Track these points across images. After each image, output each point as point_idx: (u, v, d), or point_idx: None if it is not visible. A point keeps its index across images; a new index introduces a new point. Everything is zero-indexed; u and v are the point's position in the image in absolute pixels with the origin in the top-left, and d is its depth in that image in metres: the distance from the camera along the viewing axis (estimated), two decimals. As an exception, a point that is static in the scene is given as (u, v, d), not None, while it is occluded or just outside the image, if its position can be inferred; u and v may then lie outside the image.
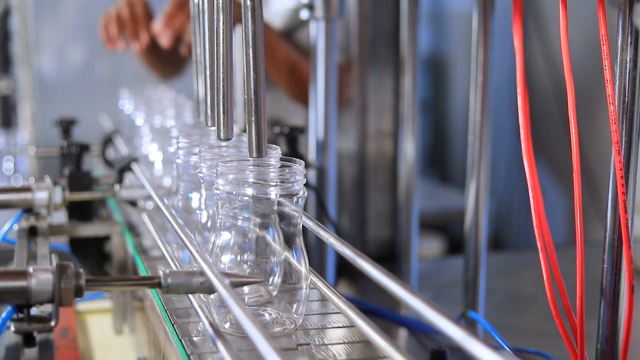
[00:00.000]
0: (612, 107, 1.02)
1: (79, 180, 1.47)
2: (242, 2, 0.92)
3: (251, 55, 0.92)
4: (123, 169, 1.51)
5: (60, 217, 1.51)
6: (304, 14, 1.65)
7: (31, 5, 2.94)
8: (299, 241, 0.97)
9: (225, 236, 0.97)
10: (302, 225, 0.98)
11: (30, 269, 0.87)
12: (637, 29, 0.99)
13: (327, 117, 1.68)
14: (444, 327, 0.69)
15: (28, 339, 0.90)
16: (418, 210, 1.78)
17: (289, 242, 0.97)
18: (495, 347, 0.80)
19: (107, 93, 2.94)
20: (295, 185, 0.95)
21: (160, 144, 1.50)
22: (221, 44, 1.00)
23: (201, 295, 0.98)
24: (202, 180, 1.07)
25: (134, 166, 1.49)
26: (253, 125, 0.93)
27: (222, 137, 1.04)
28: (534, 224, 1.11)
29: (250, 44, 0.92)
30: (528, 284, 1.89)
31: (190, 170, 1.17)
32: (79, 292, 0.88)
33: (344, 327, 0.98)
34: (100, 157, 1.87)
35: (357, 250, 0.88)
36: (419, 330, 1.56)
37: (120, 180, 1.51)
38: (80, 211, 1.50)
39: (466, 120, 1.45)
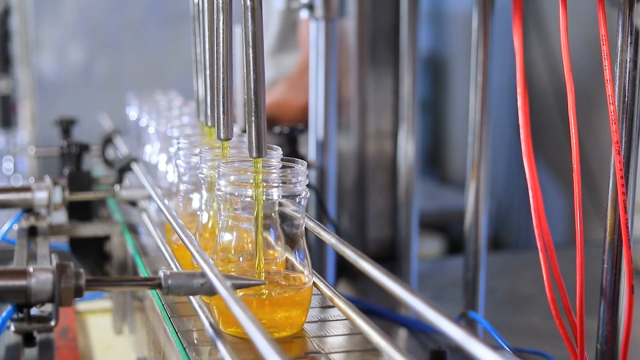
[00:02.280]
0: (612, 107, 1.02)
1: (79, 180, 1.47)
2: (242, 2, 0.92)
3: (251, 55, 0.92)
4: (123, 169, 1.51)
5: (60, 217, 1.51)
6: (304, 14, 1.65)
7: (31, 5, 2.94)
8: (302, 242, 0.96)
9: (227, 237, 0.96)
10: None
11: (30, 269, 0.87)
12: (637, 29, 0.99)
13: (327, 117, 1.68)
14: (444, 327, 0.69)
15: (28, 339, 0.90)
16: (418, 210, 1.78)
17: (291, 243, 0.96)
18: (495, 347, 0.80)
19: (107, 93, 2.95)
20: (298, 186, 0.94)
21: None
22: (221, 44, 1.00)
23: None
24: (202, 181, 1.07)
25: (134, 166, 1.49)
26: (253, 125, 0.93)
27: (222, 137, 1.04)
28: (534, 224, 1.11)
29: (250, 44, 0.92)
30: (528, 284, 1.89)
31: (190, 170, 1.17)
32: (78, 292, 0.88)
33: (351, 334, 0.97)
34: (100, 157, 1.87)
35: (358, 251, 0.87)
36: (419, 330, 1.56)
37: (120, 180, 1.51)
38: (80, 211, 1.50)
39: (466, 120, 1.45)
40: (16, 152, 3.04)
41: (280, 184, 0.94)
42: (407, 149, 1.73)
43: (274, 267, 0.97)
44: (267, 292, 0.95)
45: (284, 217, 0.96)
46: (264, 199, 0.94)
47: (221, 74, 1.01)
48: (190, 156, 1.16)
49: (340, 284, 1.83)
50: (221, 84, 1.01)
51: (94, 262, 1.51)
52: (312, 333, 0.96)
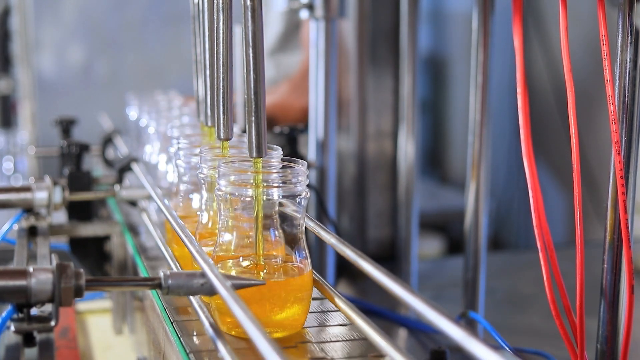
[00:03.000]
0: (612, 107, 1.02)
1: (79, 180, 1.47)
2: (242, 2, 0.92)
3: (251, 55, 0.92)
4: (123, 169, 1.51)
5: (60, 217, 1.51)
6: (304, 14, 1.65)
7: (31, 5, 2.94)
8: (302, 242, 0.96)
9: (227, 237, 0.96)
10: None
11: (30, 269, 0.87)
12: (637, 29, 0.99)
13: (327, 117, 1.68)
14: (444, 327, 0.69)
15: (28, 339, 0.90)
16: (418, 210, 1.78)
17: (292, 243, 0.96)
18: (495, 347, 0.80)
19: (107, 93, 2.95)
20: (298, 187, 0.94)
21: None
22: (221, 44, 1.00)
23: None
24: (202, 181, 1.07)
25: (134, 166, 1.49)
26: (253, 125, 0.93)
27: (222, 137, 1.04)
28: (534, 224, 1.11)
29: (250, 44, 0.92)
30: (528, 284, 1.89)
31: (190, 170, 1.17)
32: (78, 292, 0.88)
33: (355, 339, 0.97)
34: (100, 157, 1.87)
35: (358, 251, 0.87)
36: (419, 330, 1.56)
37: (120, 180, 1.51)
38: (80, 211, 1.51)
39: (466, 120, 1.45)
40: (16, 152, 3.04)
41: (281, 184, 0.94)
42: (407, 149, 1.73)
43: (274, 267, 0.97)
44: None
45: (284, 217, 0.96)
46: (264, 199, 0.94)
47: (221, 74, 1.01)
48: (190, 156, 1.16)
49: (340, 284, 1.83)
50: (221, 84, 1.01)
51: (94, 262, 1.51)
52: (314, 337, 0.96)
